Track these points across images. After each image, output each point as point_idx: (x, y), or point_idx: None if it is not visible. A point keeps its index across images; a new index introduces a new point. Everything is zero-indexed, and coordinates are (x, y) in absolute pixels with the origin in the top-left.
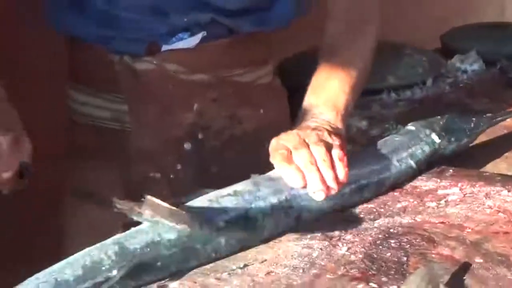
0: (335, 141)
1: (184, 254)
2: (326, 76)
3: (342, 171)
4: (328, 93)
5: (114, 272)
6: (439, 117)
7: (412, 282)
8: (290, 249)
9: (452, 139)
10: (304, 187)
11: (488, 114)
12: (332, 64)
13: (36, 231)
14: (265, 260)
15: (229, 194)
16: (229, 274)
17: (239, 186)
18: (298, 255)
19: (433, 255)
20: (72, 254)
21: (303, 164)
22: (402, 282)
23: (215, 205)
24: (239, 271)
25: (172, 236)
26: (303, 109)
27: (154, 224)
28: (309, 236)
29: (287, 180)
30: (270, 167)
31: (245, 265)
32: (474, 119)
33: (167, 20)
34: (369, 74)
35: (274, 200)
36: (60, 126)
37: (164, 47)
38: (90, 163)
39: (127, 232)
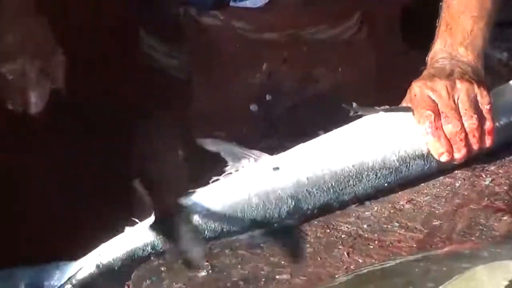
0: (483, 93)
1: None
2: (457, 10)
3: (488, 144)
4: (463, 32)
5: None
6: None
7: None
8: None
9: None
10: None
11: None
12: None
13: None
14: (407, 188)
15: None
16: (369, 200)
17: None
18: (440, 184)
19: None
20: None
21: (452, 138)
22: None
23: None
24: (380, 197)
25: None
26: (439, 47)
27: None
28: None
29: (433, 151)
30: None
31: (386, 192)
32: None
33: None
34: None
35: None
36: (134, 70)
37: (232, 4)
38: (154, 119)
39: None
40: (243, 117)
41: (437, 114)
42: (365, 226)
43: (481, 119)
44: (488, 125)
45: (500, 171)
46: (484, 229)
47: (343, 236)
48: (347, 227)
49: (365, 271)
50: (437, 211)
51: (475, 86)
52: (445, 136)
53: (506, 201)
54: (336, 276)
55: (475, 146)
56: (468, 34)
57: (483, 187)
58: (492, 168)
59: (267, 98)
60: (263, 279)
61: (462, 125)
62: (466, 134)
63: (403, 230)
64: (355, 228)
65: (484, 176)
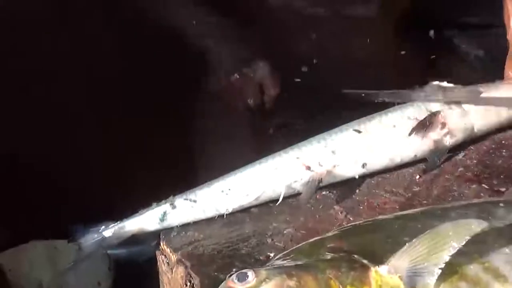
0: None
1: None
2: None
3: None
4: None
5: None
6: None
7: None
8: None
9: None
10: None
11: None
12: None
13: None
14: None
15: None
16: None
17: None
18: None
19: None
20: None
21: None
22: (511, 185)
23: None
24: None
25: None
26: None
27: None
28: None
29: None
30: None
31: None
32: None
33: None
34: None
35: None
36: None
37: None
38: None
39: None
40: None
41: None
42: (357, 191)
43: None
44: None
45: (472, 147)
46: (455, 194)
47: (338, 199)
48: (342, 191)
49: (353, 226)
50: (417, 180)
51: None
52: None
53: (475, 172)
54: (331, 230)
55: None
56: None
57: (457, 160)
58: (465, 144)
59: None
60: (270, 233)
61: None
62: None
63: (388, 194)
64: (349, 193)
65: (458, 151)
